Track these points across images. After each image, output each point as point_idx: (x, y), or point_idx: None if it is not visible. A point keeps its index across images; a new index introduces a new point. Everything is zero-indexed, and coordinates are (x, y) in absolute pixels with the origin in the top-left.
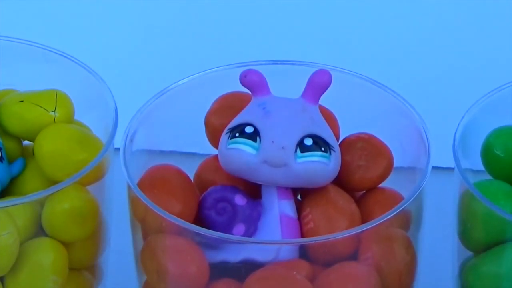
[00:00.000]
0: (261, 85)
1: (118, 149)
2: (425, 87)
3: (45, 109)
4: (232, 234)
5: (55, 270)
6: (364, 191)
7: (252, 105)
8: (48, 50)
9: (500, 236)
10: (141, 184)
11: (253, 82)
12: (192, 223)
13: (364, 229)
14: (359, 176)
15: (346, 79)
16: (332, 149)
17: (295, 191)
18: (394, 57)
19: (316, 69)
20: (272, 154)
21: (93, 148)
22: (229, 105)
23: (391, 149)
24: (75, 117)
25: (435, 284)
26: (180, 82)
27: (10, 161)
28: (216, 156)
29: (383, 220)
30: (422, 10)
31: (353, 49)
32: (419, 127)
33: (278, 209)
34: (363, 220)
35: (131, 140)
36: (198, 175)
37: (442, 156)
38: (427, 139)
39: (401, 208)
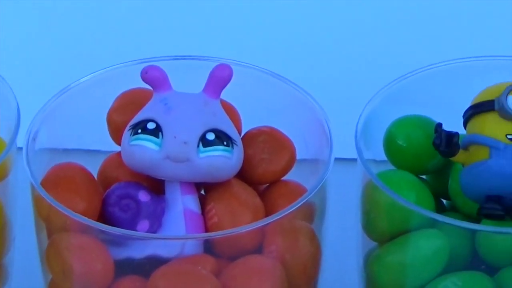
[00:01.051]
0: (162, 81)
1: (21, 148)
2: (326, 79)
3: None
4: (136, 230)
5: None
6: (267, 184)
7: (153, 101)
8: None
9: (403, 226)
10: (45, 183)
11: (154, 78)
12: (97, 220)
13: (268, 222)
14: (262, 170)
15: (247, 73)
16: (235, 143)
17: (198, 186)
18: (295, 50)
19: (217, 63)
20: (174, 150)
21: None
22: (131, 101)
23: (293, 141)
24: None
25: (340, 275)
26: (81, 80)
27: None
28: (119, 153)
29: (286, 212)
30: (319, 0)
31: (254, 43)
32: (321, 119)
33: (182, 204)
34: (267, 213)
35: (34, 139)
36: (101, 172)
37: (344, 147)
38: (329, 130)
39: (305, 200)
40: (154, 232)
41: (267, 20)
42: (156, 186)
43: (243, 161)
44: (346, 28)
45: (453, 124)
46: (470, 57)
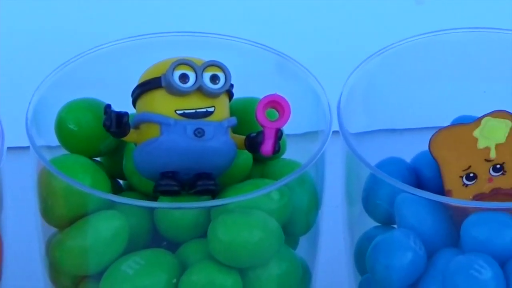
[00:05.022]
0: None
1: None
2: None
3: None
4: None
5: None
6: None
7: None
8: None
9: (82, 210)
10: None
11: None
12: None
13: None
14: None
15: None
16: None
17: None
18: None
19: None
20: None
21: None
22: None
23: None
24: None
25: (24, 265)
26: None
27: None
28: None
29: None
30: None
31: None
32: None
33: None
34: None
35: None
36: None
37: (17, 136)
38: None
39: None
40: None
41: None
42: None
43: None
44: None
45: (123, 104)
46: (139, 36)
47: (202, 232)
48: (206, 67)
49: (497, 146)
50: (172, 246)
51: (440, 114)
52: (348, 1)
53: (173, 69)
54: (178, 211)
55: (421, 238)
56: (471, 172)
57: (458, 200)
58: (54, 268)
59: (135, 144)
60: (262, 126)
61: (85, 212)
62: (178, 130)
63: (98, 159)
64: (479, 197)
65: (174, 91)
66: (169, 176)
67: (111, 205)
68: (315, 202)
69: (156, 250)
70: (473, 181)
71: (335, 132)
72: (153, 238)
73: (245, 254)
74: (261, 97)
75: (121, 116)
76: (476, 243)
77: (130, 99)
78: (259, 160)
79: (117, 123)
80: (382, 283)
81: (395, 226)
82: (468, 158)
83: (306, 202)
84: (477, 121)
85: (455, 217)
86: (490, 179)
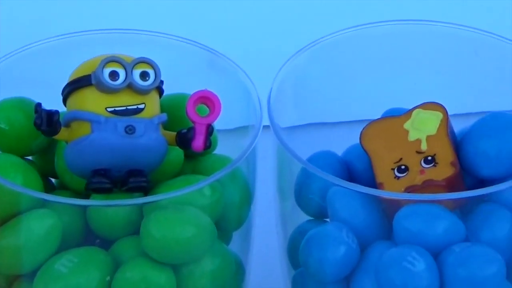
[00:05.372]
0: None
1: None
2: None
3: None
4: None
5: None
6: None
7: None
8: None
9: (14, 209)
10: None
11: None
12: None
13: None
14: None
15: None
16: None
17: None
18: None
19: None
20: None
21: None
22: None
23: None
24: None
25: None
26: None
27: None
28: None
29: None
30: None
31: None
32: None
33: None
34: None
35: None
36: None
37: None
38: None
39: None
40: None
41: None
42: None
43: None
44: None
45: (54, 102)
46: (69, 33)
47: (135, 229)
48: (136, 64)
49: (428, 138)
50: (105, 243)
51: (371, 107)
52: None
53: (103, 67)
54: (111, 208)
55: (354, 231)
56: (402, 165)
57: (390, 192)
58: None
59: (66, 142)
60: (193, 122)
61: (17, 211)
62: (108, 128)
63: (29, 158)
64: (411, 189)
65: (104, 89)
66: (100, 174)
67: (43, 204)
68: (247, 197)
69: (89, 248)
70: (405, 174)
71: (265, 126)
72: (86, 236)
73: (178, 250)
74: (191, 93)
75: (52, 115)
76: (408, 235)
77: (61, 97)
78: (190, 156)
79: (47, 122)
80: (316, 277)
81: (328, 220)
82: (399, 151)
83: (238, 197)
84: (407, 113)
85: (388, 210)
86: (422, 171)
